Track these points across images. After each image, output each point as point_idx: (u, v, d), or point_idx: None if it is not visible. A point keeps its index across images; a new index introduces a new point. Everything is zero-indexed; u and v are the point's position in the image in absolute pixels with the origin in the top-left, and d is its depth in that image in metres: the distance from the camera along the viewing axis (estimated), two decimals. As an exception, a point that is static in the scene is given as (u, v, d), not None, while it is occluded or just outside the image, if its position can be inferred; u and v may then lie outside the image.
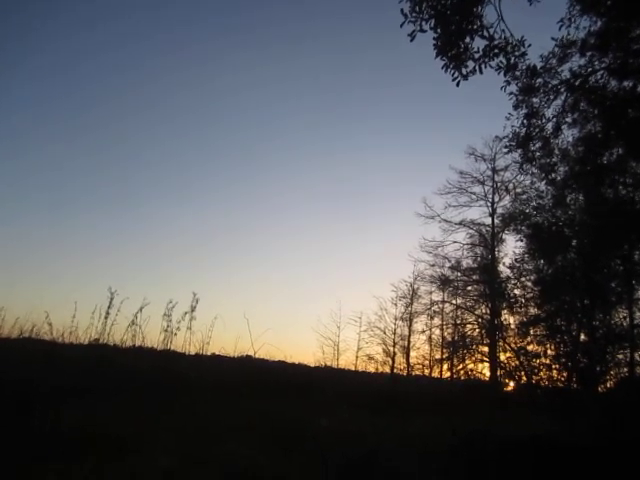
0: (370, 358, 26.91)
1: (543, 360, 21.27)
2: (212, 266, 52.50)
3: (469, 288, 27.42)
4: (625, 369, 18.80)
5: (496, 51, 7.81)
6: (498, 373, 24.08)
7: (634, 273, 18.17)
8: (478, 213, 29.17)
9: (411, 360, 26.64)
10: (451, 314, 27.85)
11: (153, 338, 9.97)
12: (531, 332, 22.09)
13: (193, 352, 10.48)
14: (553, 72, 10.82)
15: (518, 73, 9.31)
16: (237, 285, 46.42)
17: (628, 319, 18.74)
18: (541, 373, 21.23)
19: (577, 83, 10.95)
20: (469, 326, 26.91)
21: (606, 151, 13.49)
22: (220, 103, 66.34)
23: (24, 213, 55.29)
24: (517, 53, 8.08)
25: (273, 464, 5.44)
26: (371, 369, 26.59)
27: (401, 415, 10.09)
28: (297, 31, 67.98)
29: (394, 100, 63.96)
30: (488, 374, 24.91)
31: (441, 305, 27.79)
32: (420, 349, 27.35)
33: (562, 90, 11.01)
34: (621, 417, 10.91)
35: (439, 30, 7.36)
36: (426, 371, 27.08)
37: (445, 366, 27.28)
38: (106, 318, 9.48)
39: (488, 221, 26.66)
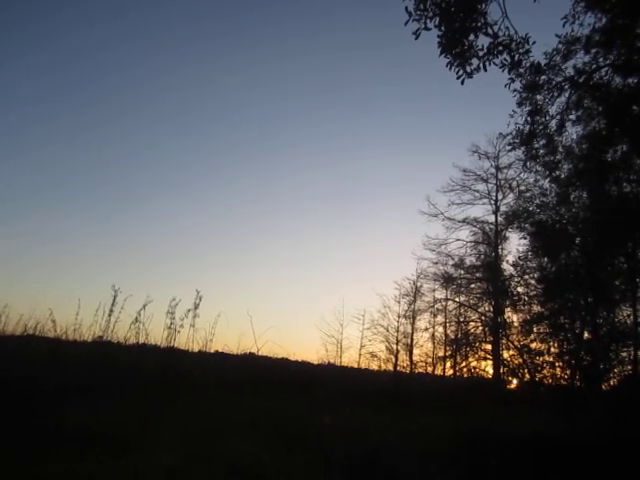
0: (373, 356, 26.85)
1: (546, 358, 21.26)
2: (215, 264, 52.54)
3: (472, 286, 27.35)
4: (629, 367, 18.75)
5: (500, 48, 7.77)
6: (501, 371, 24.01)
7: (638, 271, 18.12)
8: (481, 211, 29.16)
9: (414, 358, 26.60)
10: (454, 312, 27.78)
11: (156, 335, 10.00)
12: (534, 330, 22.06)
13: (196, 349, 10.51)
14: (557, 69, 10.78)
15: (522, 70, 9.27)
16: (240, 283, 46.42)
17: (632, 317, 18.66)
18: (544, 371, 21.21)
19: (581, 80, 10.91)
20: (472, 324, 26.86)
21: (610, 148, 13.45)
22: (222, 101, 66.31)
23: (27, 211, 55.37)
24: (521, 50, 8.04)
25: (276, 461, 5.45)
26: (374, 367, 26.54)
27: (404, 413, 10.10)
28: (297, 29, 67.90)
29: (397, 98, 63.70)
30: (491, 372, 24.89)
31: (444, 303, 27.73)
32: (423, 347, 27.30)
33: (566, 87, 10.98)
34: (624, 415, 10.90)
35: (443, 28, 7.33)
36: (429, 369, 27.03)
37: (448, 364, 27.23)
38: (110, 315, 9.52)
39: (492, 219, 26.60)
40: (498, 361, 24.02)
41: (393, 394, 13.52)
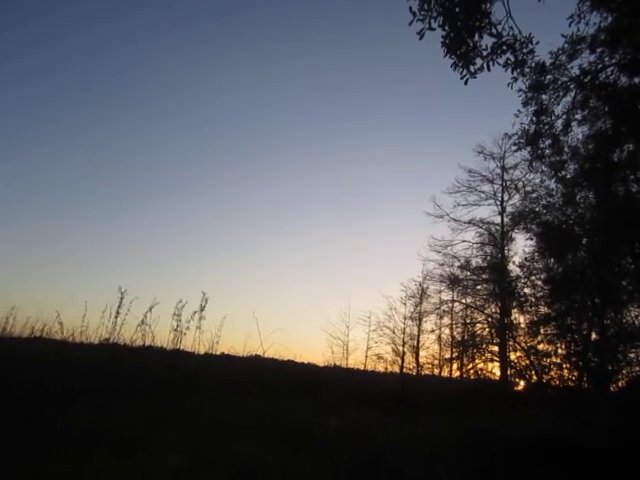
0: (379, 358, 26.81)
1: (554, 359, 21.16)
2: (221, 266, 52.60)
3: (479, 287, 27.26)
4: (637, 368, 18.64)
5: (504, 48, 7.77)
6: (508, 372, 23.92)
7: (645, 271, 17.99)
8: (487, 212, 29.03)
9: (420, 359, 26.53)
10: (461, 313, 27.71)
11: (163, 337, 10.03)
12: (541, 331, 21.97)
13: (202, 351, 10.52)
14: (562, 69, 10.76)
15: (527, 70, 9.28)
16: (246, 285, 46.51)
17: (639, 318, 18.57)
18: (552, 372, 21.12)
19: (587, 79, 10.87)
20: (479, 325, 26.77)
21: (617, 148, 13.40)
22: (221, 102, 66.48)
23: (33, 213, 55.78)
24: (525, 50, 8.02)
25: (282, 464, 5.44)
26: (380, 369, 26.50)
27: (410, 414, 10.06)
28: (298, 30, 67.91)
29: (402, 98, 63.67)
30: (498, 373, 24.78)
31: (450, 304, 27.65)
32: (429, 348, 27.23)
33: (572, 87, 10.95)
34: (632, 417, 10.81)
35: (447, 28, 7.33)
36: (435, 370, 26.96)
37: (455, 365, 27.16)
38: (116, 317, 9.55)
39: (497, 220, 26.52)
40: (505, 363, 23.92)
41: (399, 396, 13.47)
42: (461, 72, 7.65)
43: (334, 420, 7.88)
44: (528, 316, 23.75)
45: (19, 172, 57.85)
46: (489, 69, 7.71)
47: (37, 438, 4.95)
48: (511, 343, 24.19)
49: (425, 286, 27.34)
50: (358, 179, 62.11)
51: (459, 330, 27.46)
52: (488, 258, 26.93)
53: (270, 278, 48.81)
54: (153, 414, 6.54)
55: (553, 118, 11.10)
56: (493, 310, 26.22)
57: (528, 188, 23.55)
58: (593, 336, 19.71)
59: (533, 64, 9.17)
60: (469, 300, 27.53)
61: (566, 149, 12.72)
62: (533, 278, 23.64)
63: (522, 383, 23.81)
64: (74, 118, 65.07)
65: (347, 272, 50.24)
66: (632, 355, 18.83)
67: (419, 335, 26.68)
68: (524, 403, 16.19)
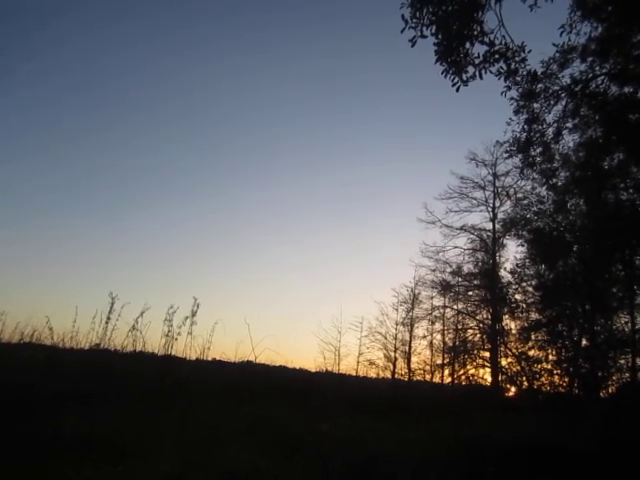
0: (371, 363, 26.75)
1: (544, 365, 21.26)
2: (213, 271, 52.47)
3: (470, 293, 27.36)
4: (627, 374, 18.75)
5: (496, 57, 7.83)
6: (499, 378, 24.00)
7: (635, 278, 18.15)
8: (479, 218, 29.17)
9: (412, 365, 26.50)
10: (452, 319, 27.75)
11: (154, 343, 9.98)
12: (532, 337, 22.07)
13: (194, 357, 10.48)
14: (554, 77, 10.85)
15: (519, 78, 9.33)
16: (238, 290, 46.36)
17: (629, 324, 18.71)
18: (542, 378, 21.20)
19: (578, 89, 10.98)
20: (470, 331, 26.84)
21: (607, 156, 13.55)
22: (221, 106, 66.51)
23: (24, 217, 55.33)
24: (517, 59, 8.10)
25: (274, 469, 5.43)
26: (372, 374, 26.47)
27: (402, 420, 10.07)
28: (298, 34, 68.10)
29: (395, 104, 64.01)
30: (489, 379, 24.83)
31: (442, 310, 27.68)
32: (421, 354, 27.22)
33: (563, 95, 11.04)
34: (623, 422, 10.88)
35: (440, 36, 7.39)
36: (427, 376, 26.94)
37: (446, 371, 27.15)
38: (107, 323, 9.49)
39: (489, 226, 26.66)
40: (496, 369, 24.00)
41: (391, 402, 13.49)
42: (453, 79, 7.71)
43: (326, 425, 7.88)
44: (519, 322, 23.93)
45: (12, 176, 57.39)
46: (481, 77, 7.78)
47: (27, 443, 4.91)
48: (502, 349, 24.30)
49: (417, 292, 27.39)
50: (352, 185, 62.36)
51: (451, 336, 27.52)
52: (480, 264, 27.07)
53: (262, 284, 48.73)
54: (144, 419, 6.51)
55: (544, 126, 11.19)
56: (484, 316, 26.33)
57: (519, 195, 23.72)
58: (584, 342, 19.82)
59: (525, 73, 9.23)
60: (461, 306, 27.63)
61: (557, 157, 12.85)
62: (524, 284, 23.80)
63: (513, 389, 23.92)
64: (74, 120, 64.77)
65: (339, 278, 50.29)
66: (622, 361, 18.97)
67: (411, 341, 26.70)
68: (515, 409, 16.25)
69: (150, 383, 8.42)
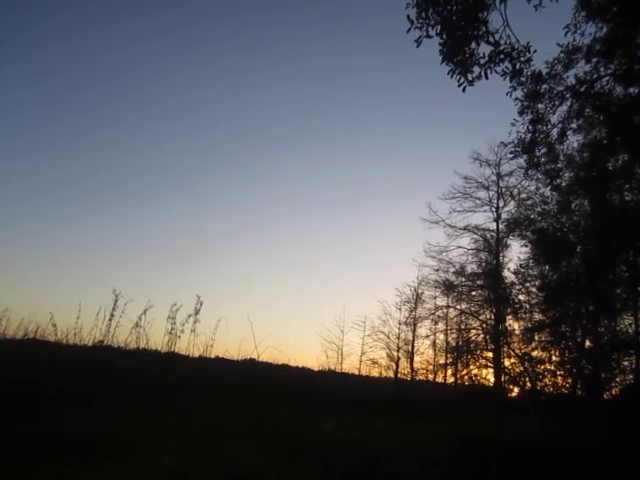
0: (374, 362, 26.68)
1: (548, 366, 21.21)
2: (216, 269, 52.50)
3: (473, 293, 27.30)
4: (630, 376, 18.70)
5: (502, 57, 7.81)
6: (502, 379, 23.94)
7: (639, 279, 18.09)
8: (483, 218, 29.08)
9: (415, 365, 26.46)
10: (455, 319, 27.69)
11: (157, 340, 9.98)
12: (536, 338, 22.01)
13: (197, 355, 10.48)
14: (558, 78, 10.82)
15: (524, 79, 9.30)
16: (241, 288, 46.39)
17: (633, 326, 18.63)
18: (546, 379, 21.16)
19: (582, 89, 10.94)
20: (473, 331, 26.78)
21: (611, 157, 13.50)
22: (222, 105, 66.51)
23: (28, 214, 55.55)
24: (522, 59, 8.08)
25: (277, 468, 5.44)
26: (375, 373, 26.42)
27: (405, 420, 10.07)
28: (298, 34, 67.99)
29: (399, 104, 63.93)
30: (492, 380, 24.79)
31: (445, 310, 27.62)
32: (424, 354, 27.17)
33: (567, 96, 11.01)
34: (626, 424, 10.86)
35: (445, 36, 7.37)
36: (430, 376, 26.92)
37: (449, 371, 27.11)
38: (110, 320, 9.50)
39: (493, 226, 26.56)
40: (499, 369, 23.95)
41: (394, 401, 13.50)
42: (459, 80, 7.70)
43: (329, 424, 7.89)
44: (522, 323, 23.84)
45: (15, 174, 57.61)
46: (487, 77, 7.76)
47: (30, 441, 4.92)
48: (505, 349, 24.23)
49: (420, 291, 27.32)
50: (355, 184, 62.30)
51: (454, 336, 27.48)
52: (483, 264, 27.01)
53: (265, 282, 48.73)
54: (147, 417, 6.52)
55: (549, 127, 11.15)
56: (488, 316, 26.27)
57: (523, 195, 23.67)
58: (587, 343, 19.77)
59: (530, 73, 9.21)
60: (464, 306, 27.57)
61: (561, 157, 12.81)
62: (528, 285, 23.72)
63: (516, 389, 23.86)
64: (74, 120, 64.90)
65: (342, 277, 50.27)
66: (626, 363, 18.91)
67: (414, 340, 26.65)
68: (518, 409, 16.24)
69: (153, 380, 8.43)
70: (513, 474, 6.29)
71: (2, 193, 52.17)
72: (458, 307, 27.58)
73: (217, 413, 7.67)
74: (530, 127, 10.99)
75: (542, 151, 11.47)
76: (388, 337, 26.52)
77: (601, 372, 18.59)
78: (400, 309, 26.93)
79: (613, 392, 19.22)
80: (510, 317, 24.81)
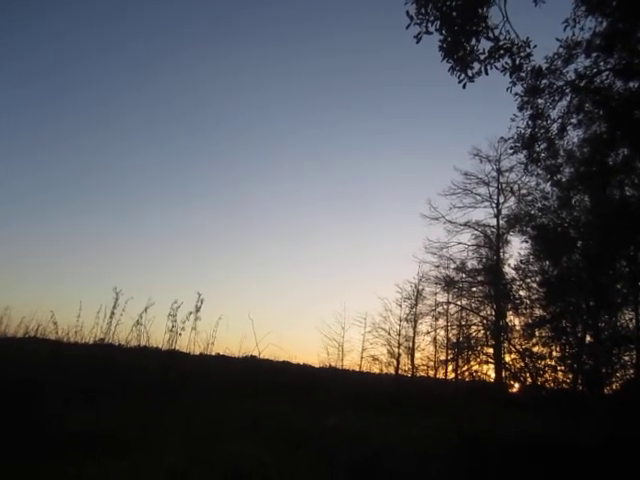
0: (375, 359, 26.77)
1: (548, 362, 21.26)
2: (217, 266, 52.47)
3: (474, 289, 27.32)
4: (631, 371, 18.75)
5: (501, 52, 7.78)
6: (503, 374, 24.00)
7: (640, 274, 18.12)
8: (483, 214, 29.03)
9: (416, 361, 26.56)
10: (456, 315, 27.77)
11: (158, 338, 9.95)
12: (536, 333, 22.06)
13: (198, 352, 10.46)
14: (558, 73, 10.78)
15: (523, 74, 9.27)
16: (242, 286, 46.43)
17: (634, 321, 18.67)
18: (546, 375, 21.22)
19: (582, 84, 10.91)
20: (474, 327, 26.84)
21: (612, 152, 13.46)
22: (220, 103, 66.34)
23: (28, 213, 55.52)
24: (522, 54, 8.05)
25: (279, 464, 5.46)
26: (376, 370, 26.53)
27: (405, 416, 10.09)
28: (296, 32, 67.74)
29: (398, 100, 63.79)
30: (493, 375, 24.85)
31: (446, 306, 27.67)
32: (425, 350, 27.27)
33: (567, 91, 10.98)
34: (627, 419, 10.88)
35: (445, 32, 7.35)
36: (431, 372, 27.00)
37: (450, 367, 27.17)
38: (111, 318, 9.47)
39: (493, 222, 26.53)
40: (500, 365, 24.00)
41: (395, 397, 13.53)
42: (459, 76, 7.68)
43: (330, 420, 7.91)
44: (523, 318, 23.90)
45: (15, 173, 57.59)
46: (487, 73, 7.73)
47: (31, 439, 4.94)
48: (506, 345, 24.27)
49: (421, 288, 27.36)
50: (355, 181, 62.21)
51: (454, 332, 27.55)
52: (483, 260, 27.02)
53: (266, 279, 48.79)
54: (148, 415, 6.54)
55: (549, 122, 11.13)
56: (488, 312, 26.31)
57: (524, 191, 23.62)
58: (588, 339, 19.80)
59: (530, 68, 9.18)
60: (464, 302, 27.62)
61: (561, 153, 12.82)
62: (528, 281, 23.74)
63: (517, 385, 23.93)
64: (74, 118, 64.78)
65: (343, 273, 50.26)
66: (626, 358, 18.97)
67: (414, 337, 26.73)
68: (518, 405, 16.27)
69: (154, 378, 8.45)
70: (512, 469, 6.31)
71: (2, 192, 52.19)
72: (459, 303, 27.65)
73: (218, 410, 7.69)
74: (530, 122, 10.96)
75: (542, 146, 11.45)
76: (389, 333, 26.61)
77: (602, 367, 18.63)
78: (401, 305, 27.01)
79: (614, 387, 19.28)
80: (511, 313, 24.90)
